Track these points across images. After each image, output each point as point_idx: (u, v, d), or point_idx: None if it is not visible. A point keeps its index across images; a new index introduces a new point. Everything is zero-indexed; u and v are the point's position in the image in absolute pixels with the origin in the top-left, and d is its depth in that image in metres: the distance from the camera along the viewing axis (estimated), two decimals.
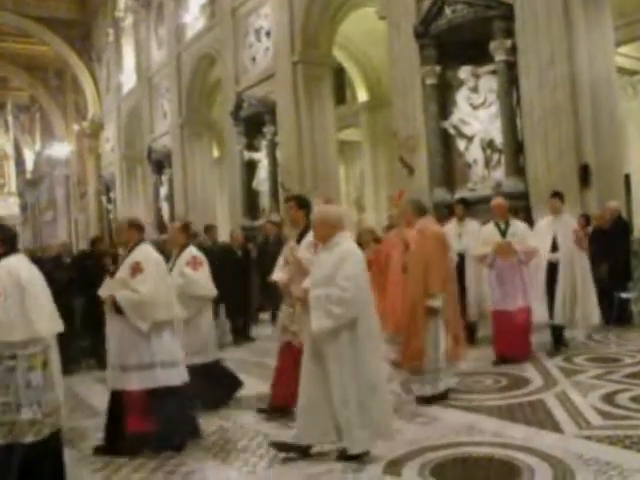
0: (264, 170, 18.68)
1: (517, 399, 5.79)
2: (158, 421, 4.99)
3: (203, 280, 6.37)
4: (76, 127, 32.93)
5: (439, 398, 5.90)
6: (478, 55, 12.14)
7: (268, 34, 18.23)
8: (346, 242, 4.75)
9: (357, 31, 19.28)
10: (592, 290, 8.01)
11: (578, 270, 7.85)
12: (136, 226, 5.38)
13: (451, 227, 8.80)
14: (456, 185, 12.84)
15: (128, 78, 28.11)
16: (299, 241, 5.71)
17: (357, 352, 4.55)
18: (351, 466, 4.43)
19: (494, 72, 12.14)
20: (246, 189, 19.02)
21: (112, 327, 5.12)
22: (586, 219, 9.86)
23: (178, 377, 5.15)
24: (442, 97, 12.99)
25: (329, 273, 4.57)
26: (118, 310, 4.99)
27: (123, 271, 5.13)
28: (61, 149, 32.82)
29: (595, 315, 7.99)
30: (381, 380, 4.70)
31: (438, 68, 12.86)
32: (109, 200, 30.79)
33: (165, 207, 25.13)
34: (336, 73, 19.01)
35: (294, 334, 5.55)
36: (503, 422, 5.14)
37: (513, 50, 11.51)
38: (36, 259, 10.00)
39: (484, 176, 12.56)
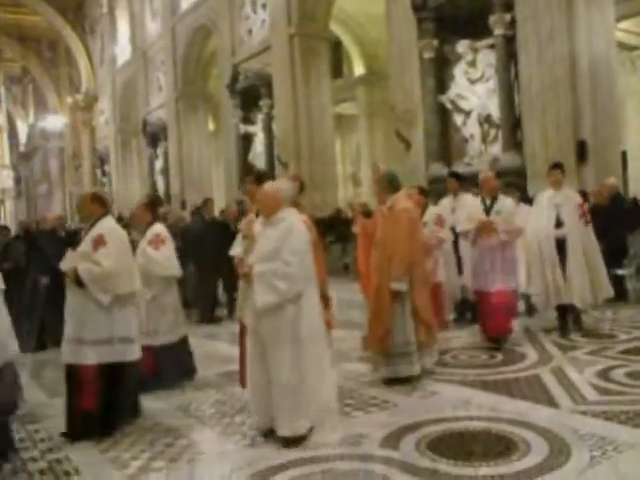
0: (260, 143, 18.63)
1: (513, 374, 5.82)
2: (106, 398, 4.92)
3: (164, 259, 6.15)
4: (70, 100, 32.67)
5: (407, 381, 5.74)
6: (476, 29, 12.07)
7: (264, 6, 18.05)
8: (291, 217, 4.65)
9: (354, 4, 19.09)
10: (602, 264, 7.66)
11: (588, 245, 7.52)
12: (99, 199, 5.22)
13: (446, 202, 8.72)
14: (453, 160, 12.83)
15: (122, 50, 27.85)
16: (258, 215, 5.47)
17: (298, 333, 4.45)
18: (348, 439, 4.46)
19: (492, 46, 12.09)
20: (242, 162, 18.97)
21: (72, 300, 4.98)
22: (583, 195, 9.84)
23: (133, 354, 5.06)
24: (439, 71, 12.95)
25: (274, 247, 4.48)
26: (79, 283, 4.86)
27: (85, 244, 5.00)
28: (55, 122, 32.60)
29: (609, 288, 7.67)
30: (321, 363, 4.58)
31: (436, 42, 12.79)
32: (104, 173, 30.68)
33: (160, 180, 25.05)
34: (333, 46, 18.87)
35: None
36: (499, 397, 5.18)
37: (512, 24, 11.45)
38: (30, 232, 10.02)
39: (481, 151, 12.56)
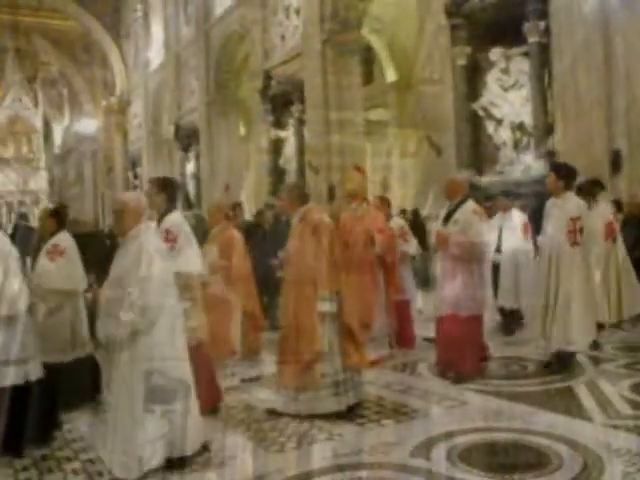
0: (291, 148, 18.69)
1: (544, 386, 5.78)
2: (6, 422, 4.56)
3: (57, 272, 5.62)
4: (104, 102, 33.07)
5: (341, 417, 5.08)
6: (510, 36, 11.99)
7: (298, 12, 18.12)
8: (145, 235, 4.18)
9: (387, 10, 19.08)
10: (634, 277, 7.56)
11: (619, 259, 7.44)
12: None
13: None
14: (484, 167, 12.76)
15: (156, 54, 28.13)
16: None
17: (139, 367, 4.05)
18: (378, 448, 4.46)
19: (526, 54, 12.00)
20: (273, 167, 19.05)
21: None
22: (617, 205, 9.73)
23: (34, 374, 4.71)
24: (472, 78, 12.88)
25: (121, 274, 4.08)
26: None
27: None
28: (89, 124, 32.99)
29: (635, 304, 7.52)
30: (158, 403, 4.12)
31: (469, 49, 12.74)
32: (135, 176, 30.99)
33: (192, 184, 25.24)
34: (365, 53, 18.87)
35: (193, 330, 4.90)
36: (531, 408, 5.14)
37: (546, 32, 11.36)
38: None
39: (512, 159, 12.47)
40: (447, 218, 6.29)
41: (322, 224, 5.32)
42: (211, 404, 5.23)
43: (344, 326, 5.23)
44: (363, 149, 18.06)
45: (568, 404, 5.21)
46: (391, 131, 22.62)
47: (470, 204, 6.28)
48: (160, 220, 4.95)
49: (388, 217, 7.80)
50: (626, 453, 4.11)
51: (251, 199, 22.49)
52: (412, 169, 20.72)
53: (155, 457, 4.10)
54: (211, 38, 22.90)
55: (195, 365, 4.43)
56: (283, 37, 18.82)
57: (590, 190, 7.53)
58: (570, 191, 6.22)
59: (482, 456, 4.26)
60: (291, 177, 18.59)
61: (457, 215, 6.19)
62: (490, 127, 12.77)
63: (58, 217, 5.96)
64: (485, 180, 12.24)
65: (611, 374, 6.04)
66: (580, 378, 5.95)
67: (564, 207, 6.09)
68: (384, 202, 8.00)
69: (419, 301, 8.76)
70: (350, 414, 5.13)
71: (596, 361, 6.58)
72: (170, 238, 4.82)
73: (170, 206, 5.06)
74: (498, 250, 8.11)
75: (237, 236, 7.12)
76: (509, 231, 8.24)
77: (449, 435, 4.61)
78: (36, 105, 35.24)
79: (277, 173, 19.01)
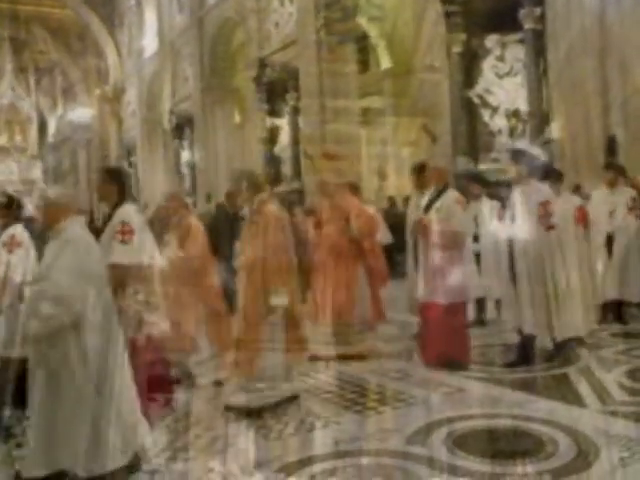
0: (286, 136, 18.64)
1: (540, 372, 5.81)
2: None
3: (15, 263, 5.46)
4: (98, 91, 32.91)
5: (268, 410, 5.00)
6: (505, 23, 11.98)
7: None
8: (72, 227, 4.03)
9: None
10: None
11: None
12: None
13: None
14: (479, 155, 12.77)
15: (150, 42, 27.97)
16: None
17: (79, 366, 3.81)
18: (375, 435, 4.49)
19: (521, 41, 11.99)
20: (268, 155, 19.02)
21: None
22: None
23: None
24: (467, 66, 12.87)
25: (43, 269, 3.96)
26: None
27: None
28: (83, 113, 32.85)
29: None
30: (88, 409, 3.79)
31: (464, 36, 12.72)
32: (130, 164, 30.89)
33: (186, 172, 25.20)
34: (360, 40, 18.80)
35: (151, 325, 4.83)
36: (527, 395, 5.17)
37: (542, 19, 11.34)
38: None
39: (508, 146, 12.47)
40: (428, 206, 6.21)
41: (273, 215, 5.22)
42: (165, 402, 5.09)
43: (290, 319, 5.16)
44: (358, 137, 18.03)
45: (564, 391, 5.24)
46: (387, 119, 22.58)
47: (452, 193, 6.23)
48: (112, 212, 4.81)
49: None
50: (622, 439, 4.14)
51: None
52: (409, 157, 20.69)
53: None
54: (205, 26, 22.77)
55: (147, 363, 4.42)
56: (277, 24, 18.73)
57: (559, 178, 7.37)
58: (533, 178, 6.09)
59: (479, 443, 4.28)
60: (286, 165, 18.57)
61: (439, 203, 6.13)
62: (486, 115, 12.77)
63: (9, 209, 5.78)
64: (481, 168, 12.25)
65: (607, 361, 6.08)
66: (576, 365, 5.98)
67: (530, 194, 5.96)
68: (352, 189, 7.71)
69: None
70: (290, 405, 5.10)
71: (592, 348, 6.61)
72: (126, 230, 4.68)
73: (122, 197, 4.90)
74: (476, 239, 7.75)
75: (197, 225, 6.77)
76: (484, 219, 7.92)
77: (446, 422, 4.64)
78: (30, 94, 35.07)
79: (272, 161, 18.97)
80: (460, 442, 4.25)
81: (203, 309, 6.47)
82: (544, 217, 5.83)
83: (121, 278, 4.50)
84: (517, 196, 6.03)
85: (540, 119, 11.66)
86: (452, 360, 6.02)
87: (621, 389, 5.18)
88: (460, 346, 6.12)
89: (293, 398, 5.21)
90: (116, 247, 4.62)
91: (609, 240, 7.73)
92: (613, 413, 4.64)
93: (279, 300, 5.06)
